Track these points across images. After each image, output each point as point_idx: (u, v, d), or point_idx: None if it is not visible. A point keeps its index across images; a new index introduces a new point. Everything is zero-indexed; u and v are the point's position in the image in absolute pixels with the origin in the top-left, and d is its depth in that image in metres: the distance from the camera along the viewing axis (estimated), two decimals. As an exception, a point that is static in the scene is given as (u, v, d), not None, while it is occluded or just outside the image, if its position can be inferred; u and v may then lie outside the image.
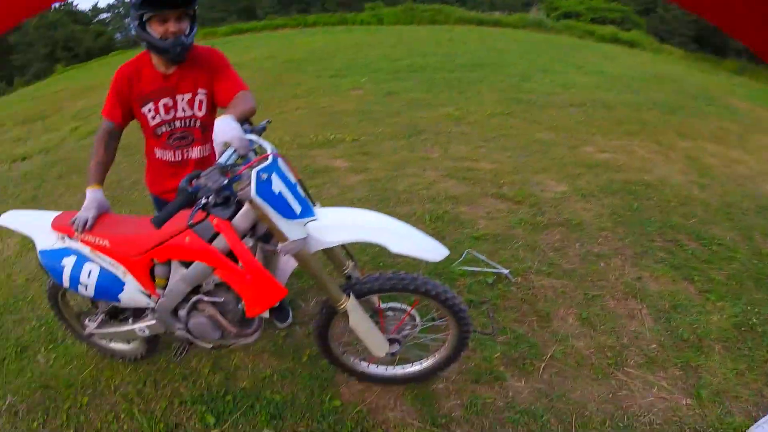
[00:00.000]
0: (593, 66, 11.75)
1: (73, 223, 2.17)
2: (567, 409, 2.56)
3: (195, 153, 2.45)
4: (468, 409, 2.53)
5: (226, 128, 1.80)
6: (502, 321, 3.06)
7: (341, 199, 4.38)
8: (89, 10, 40.67)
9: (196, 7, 2.20)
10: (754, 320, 3.32)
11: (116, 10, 42.54)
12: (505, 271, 3.43)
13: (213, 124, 1.86)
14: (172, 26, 2.09)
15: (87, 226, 2.16)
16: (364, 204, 4.27)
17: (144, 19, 2.09)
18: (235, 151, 1.82)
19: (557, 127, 6.73)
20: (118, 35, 39.31)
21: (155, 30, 2.10)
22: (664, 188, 5.06)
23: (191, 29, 2.19)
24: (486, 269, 3.46)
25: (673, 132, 7.19)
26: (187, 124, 2.38)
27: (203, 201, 1.64)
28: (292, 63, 10.85)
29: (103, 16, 42.05)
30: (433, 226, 3.95)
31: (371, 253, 3.65)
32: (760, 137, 8.11)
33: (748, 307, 3.44)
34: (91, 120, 8.34)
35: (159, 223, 1.67)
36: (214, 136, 1.80)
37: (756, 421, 2.61)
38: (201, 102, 2.35)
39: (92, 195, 2.22)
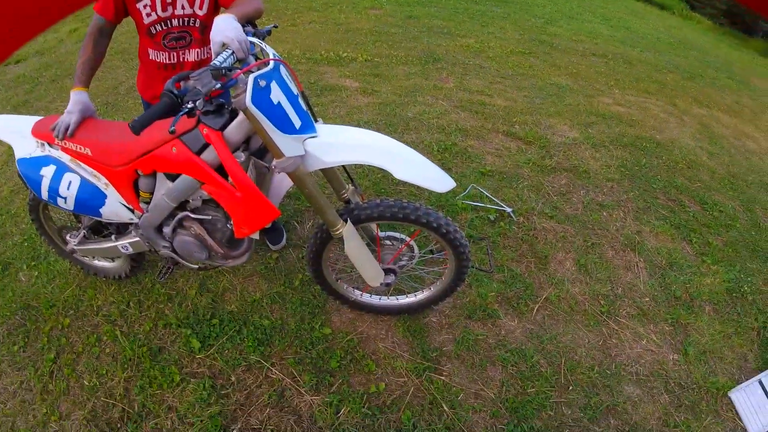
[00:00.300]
0: (621, 21, 11.39)
1: (54, 128, 2.01)
2: (557, 352, 2.60)
3: (192, 55, 2.24)
4: (459, 344, 2.54)
5: (225, 27, 1.64)
6: (501, 259, 3.05)
7: (348, 119, 4.25)
8: None
9: None
10: (746, 288, 3.37)
11: None
12: (509, 209, 3.41)
13: (211, 23, 1.70)
14: None
15: (68, 132, 1.99)
16: (371, 127, 4.14)
17: None
18: (233, 53, 1.65)
19: (576, 74, 6.56)
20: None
21: None
22: (674, 149, 5.02)
23: None
24: (489, 206, 3.43)
25: (690, 97, 7.07)
26: (186, 23, 2.15)
27: (189, 105, 1.45)
28: None
29: None
30: (440, 157, 3.88)
31: (374, 178, 3.57)
32: (774, 118, 8.02)
33: (742, 275, 3.50)
34: (90, 21, 7.99)
35: (137, 128, 1.45)
36: (211, 34, 1.64)
37: (738, 383, 2.69)
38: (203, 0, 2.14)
39: (76, 97, 2.04)
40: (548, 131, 4.67)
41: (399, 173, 1.79)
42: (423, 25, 7.44)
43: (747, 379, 2.71)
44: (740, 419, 2.52)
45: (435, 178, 1.86)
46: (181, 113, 1.46)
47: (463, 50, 6.57)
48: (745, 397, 2.62)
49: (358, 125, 4.17)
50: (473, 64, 6.09)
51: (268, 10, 7.19)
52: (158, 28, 2.13)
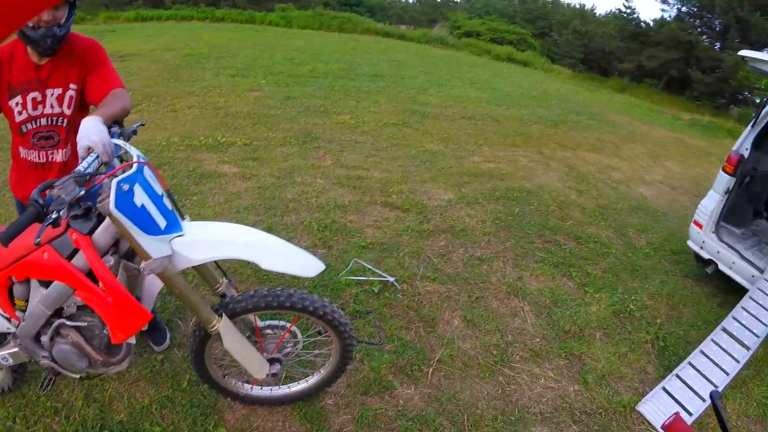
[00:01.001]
0: (487, 82, 12.31)
1: None
2: (458, 410, 2.62)
3: (59, 156, 2.22)
4: (359, 422, 2.51)
5: (90, 130, 1.65)
6: (389, 329, 3.08)
7: (227, 206, 4.23)
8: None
9: None
10: (632, 306, 3.65)
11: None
12: (391, 279, 3.48)
13: (76, 124, 1.71)
14: (45, 14, 1.90)
15: None
16: (250, 212, 4.17)
17: None
18: (98, 156, 1.65)
19: (447, 138, 6.96)
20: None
21: None
22: (544, 194, 5.39)
23: (68, 18, 1.99)
24: (372, 278, 3.49)
25: (554, 143, 7.67)
26: (54, 122, 2.15)
27: (54, 216, 1.45)
28: (193, 57, 10.40)
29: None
30: (320, 236, 3.93)
31: (254, 266, 3.55)
32: (633, 146, 8.88)
33: (625, 296, 3.79)
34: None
35: (5, 241, 1.44)
36: (78, 138, 1.64)
37: (643, 396, 2.84)
38: (71, 98, 2.14)
39: None
40: (424, 197, 4.87)
41: (266, 264, 1.82)
42: (301, 105, 7.65)
43: (651, 390, 2.88)
44: (654, 428, 2.65)
45: (303, 265, 1.90)
46: (46, 224, 1.45)
47: (340, 127, 6.80)
48: (654, 406, 2.77)
49: (238, 211, 4.16)
50: (349, 139, 6.30)
51: (147, 96, 7.14)
52: (29, 126, 2.13)
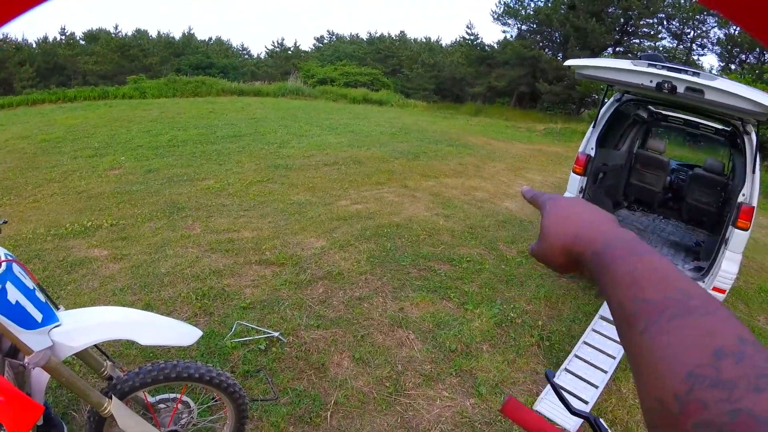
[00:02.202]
0: (346, 126, 12.77)
1: None
2: (362, 447, 2.70)
3: None
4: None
5: None
6: (282, 382, 3.14)
7: (102, 290, 4.10)
8: None
9: None
10: (512, 314, 3.96)
11: None
12: (276, 334, 3.56)
13: None
14: None
15: None
16: (126, 293, 4.07)
17: None
18: None
19: (313, 187, 7.18)
20: None
21: None
22: (413, 225, 5.71)
23: None
24: (257, 336, 3.55)
25: (417, 175, 8.12)
26: None
27: None
28: (49, 143, 9.86)
29: None
30: (200, 304, 3.94)
31: (139, 345, 3.50)
32: (494, 164, 9.60)
33: (504, 306, 4.10)
34: None
35: None
36: None
37: (538, 395, 3.07)
38: None
39: None
40: (297, 248, 5.00)
41: (144, 340, 1.90)
42: (163, 177, 7.53)
43: (545, 388, 3.13)
44: (555, 423, 2.85)
45: (180, 334, 2.00)
46: None
47: (205, 193, 6.80)
48: (550, 403, 3.01)
49: (114, 294, 4.04)
50: (216, 204, 6.32)
51: (7, 189, 6.76)
52: None
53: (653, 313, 0.41)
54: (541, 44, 28.44)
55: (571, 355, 3.48)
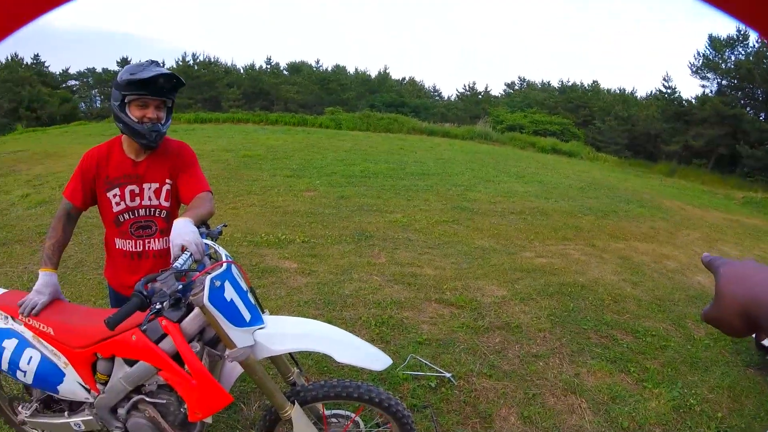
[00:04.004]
0: (533, 176, 12.53)
1: (21, 305, 2.14)
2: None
3: (157, 244, 2.43)
4: None
5: (184, 231, 1.87)
6: (446, 424, 3.10)
7: (288, 300, 4.44)
8: (59, 73, 40.44)
9: (175, 99, 2.30)
10: (692, 401, 3.55)
11: (85, 79, 42.46)
12: (448, 375, 3.53)
13: (176, 215, 1.98)
14: (150, 112, 2.16)
15: (34, 312, 2.13)
16: (310, 306, 4.34)
17: (126, 100, 2.15)
18: (191, 255, 1.86)
19: (498, 234, 7.11)
20: (82, 105, 39.02)
21: (133, 113, 2.15)
22: (598, 288, 5.38)
23: (167, 120, 2.27)
24: (429, 373, 3.55)
25: (606, 235, 7.67)
26: (152, 212, 2.37)
27: (157, 306, 1.67)
28: (251, 158, 11.04)
29: (72, 82, 41.89)
30: (378, 331, 4.05)
31: (315, 358, 3.70)
32: (688, 232, 8.77)
33: (685, 390, 3.69)
34: (43, 190, 8.19)
35: (113, 325, 1.65)
36: (171, 237, 1.86)
37: None
38: (168, 192, 2.37)
39: (46, 279, 2.19)
40: (477, 293, 4.96)
41: (339, 357, 1.98)
42: (354, 204, 8.00)
43: None
44: None
45: (372, 359, 2.06)
46: (151, 313, 1.66)
47: (392, 225, 7.06)
48: None
49: (299, 305, 4.35)
50: (402, 237, 6.53)
51: (213, 195, 7.62)
52: (126, 216, 2.33)
53: None
54: (742, 102, 25.57)
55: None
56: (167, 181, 2.37)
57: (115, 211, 2.33)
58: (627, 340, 4.34)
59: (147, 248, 2.43)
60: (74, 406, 2.33)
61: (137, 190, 2.33)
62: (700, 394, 3.69)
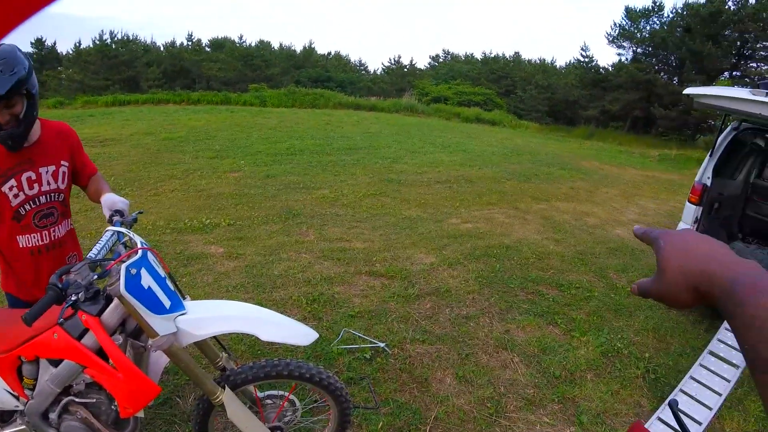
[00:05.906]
0: (458, 145, 12.74)
1: None
2: (460, 465, 2.65)
3: (61, 230, 2.34)
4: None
5: (115, 199, 2.08)
6: (384, 393, 3.15)
7: (216, 286, 4.34)
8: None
9: (28, 87, 2.03)
10: (619, 345, 3.78)
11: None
12: (382, 344, 3.58)
13: (68, 199, 2.03)
14: (0, 116, 1.98)
15: None
16: (240, 290, 4.27)
17: None
18: (106, 242, 1.88)
19: (425, 204, 7.21)
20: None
21: None
22: (522, 247, 5.58)
23: (28, 109, 2.05)
24: (363, 345, 3.59)
25: (528, 197, 7.94)
26: (51, 198, 2.26)
27: (73, 297, 1.64)
28: (172, 141, 10.57)
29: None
30: (310, 309, 4.04)
31: (248, 341, 3.65)
32: (607, 190, 9.21)
33: (612, 335, 3.92)
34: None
35: (30, 320, 1.57)
36: (108, 204, 1.97)
37: None
38: (64, 174, 2.29)
39: None
40: (407, 262, 5.03)
41: (265, 336, 1.97)
42: (280, 183, 7.88)
43: (647, 422, 2.95)
44: None
45: (298, 334, 2.05)
46: (67, 305, 1.63)
47: (320, 201, 7.02)
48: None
49: (227, 290, 4.26)
50: (330, 213, 6.51)
51: (130, 181, 7.32)
52: (27, 208, 2.19)
53: None
54: (656, 68, 27.04)
55: (677, 390, 3.26)
56: (63, 162, 2.28)
57: (13, 204, 2.16)
58: (553, 294, 4.53)
59: (54, 237, 2.32)
60: (5, 416, 2.22)
61: (34, 176, 2.18)
62: (627, 338, 3.92)
